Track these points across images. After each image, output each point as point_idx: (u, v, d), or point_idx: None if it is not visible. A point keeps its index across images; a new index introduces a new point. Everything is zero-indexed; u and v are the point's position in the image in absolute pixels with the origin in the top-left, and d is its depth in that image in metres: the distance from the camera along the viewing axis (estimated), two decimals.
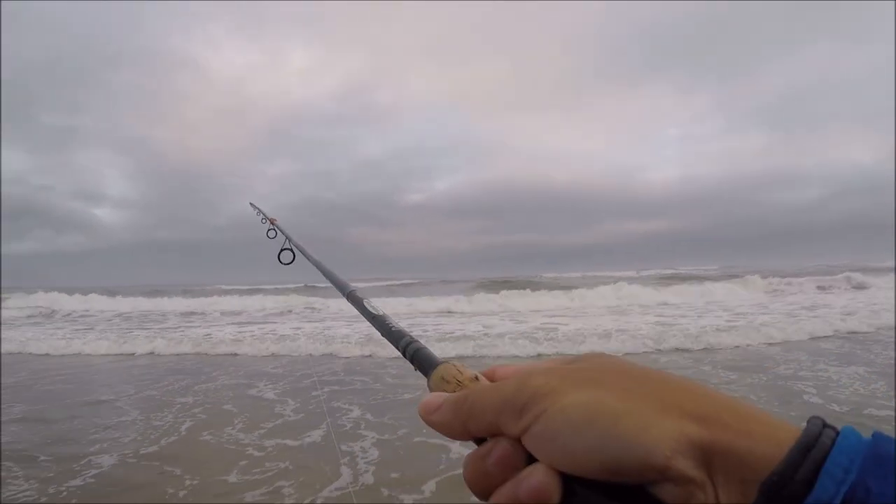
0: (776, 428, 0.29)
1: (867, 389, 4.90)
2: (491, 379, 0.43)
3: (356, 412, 4.71)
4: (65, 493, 3.15)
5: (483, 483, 0.34)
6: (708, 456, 0.28)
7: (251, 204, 1.56)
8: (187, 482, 3.27)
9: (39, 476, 3.41)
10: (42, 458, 3.77)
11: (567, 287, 18.14)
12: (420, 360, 0.53)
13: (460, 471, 0.37)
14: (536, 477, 0.31)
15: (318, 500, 2.98)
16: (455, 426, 0.37)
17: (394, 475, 3.29)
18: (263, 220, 1.37)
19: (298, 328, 11.01)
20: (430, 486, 3.09)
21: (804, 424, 0.29)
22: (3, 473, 3.45)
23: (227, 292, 23.69)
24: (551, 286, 20.20)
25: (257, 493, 3.09)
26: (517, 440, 0.33)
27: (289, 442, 4.00)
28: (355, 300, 0.87)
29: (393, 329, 0.69)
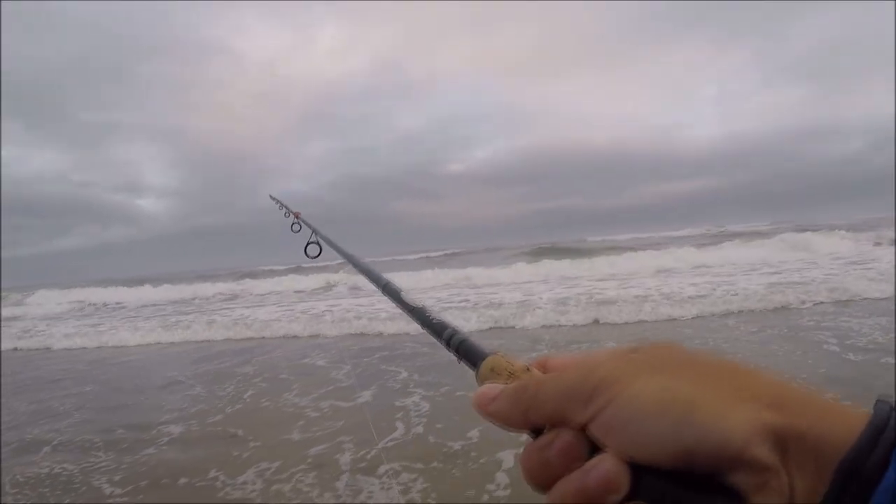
0: (846, 413, 0.29)
1: None
2: (543, 369, 0.41)
3: (404, 374, 5.03)
4: (143, 460, 3.47)
5: (543, 474, 0.33)
6: (783, 442, 0.28)
7: (271, 197, 1.55)
8: (251, 444, 3.56)
9: (117, 447, 3.77)
10: (118, 431, 4.14)
11: (614, 249, 17.48)
12: (466, 351, 0.52)
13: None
14: (605, 465, 0.30)
15: (373, 452, 3.22)
16: (514, 416, 0.36)
17: (439, 426, 3.52)
18: (287, 214, 1.38)
19: (335, 304, 11.30)
20: (474, 434, 3.28)
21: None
22: (85, 446, 3.83)
23: (273, 273, 24.23)
24: (596, 251, 19.46)
25: (320, 448, 3.35)
26: (580, 430, 0.32)
27: (342, 403, 4.29)
28: (392, 292, 0.88)
29: (434, 321, 0.68)
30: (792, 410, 0.29)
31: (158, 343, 8.99)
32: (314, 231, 1.17)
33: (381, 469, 2.99)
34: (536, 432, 0.36)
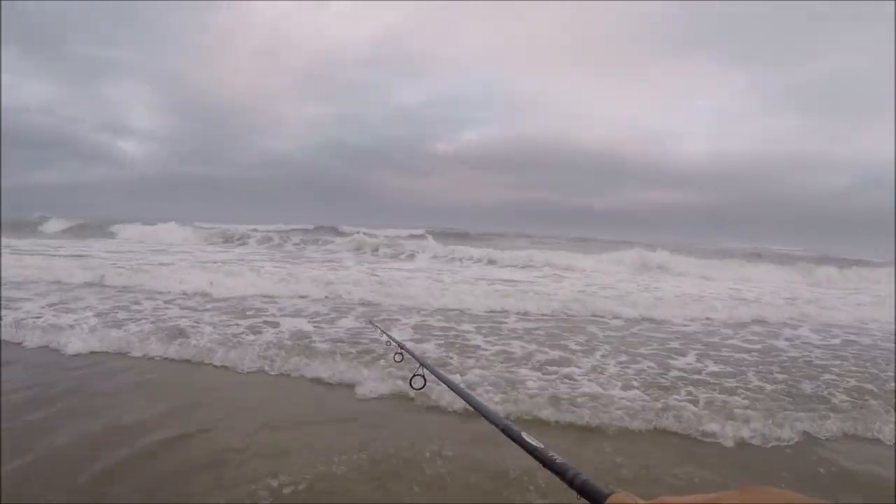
0: None
1: None
2: None
3: None
4: None
5: None
6: None
7: (371, 322, 1.63)
8: None
9: None
10: None
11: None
12: (589, 491, 0.57)
13: None
14: None
15: None
16: None
17: None
18: (388, 343, 1.43)
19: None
20: None
21: None
22: None
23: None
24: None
25: None
26: None
27: None
28: (511, 432, 0.88)
29: (557, 461, 0.72)
30: None
31: None
32: (422, 363, 1.20)
33: None
34: None
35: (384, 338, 1.47)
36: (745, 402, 3.80)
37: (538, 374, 4.27)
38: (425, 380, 1.20)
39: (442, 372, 1.12)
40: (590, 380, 4.17)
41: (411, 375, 1.21)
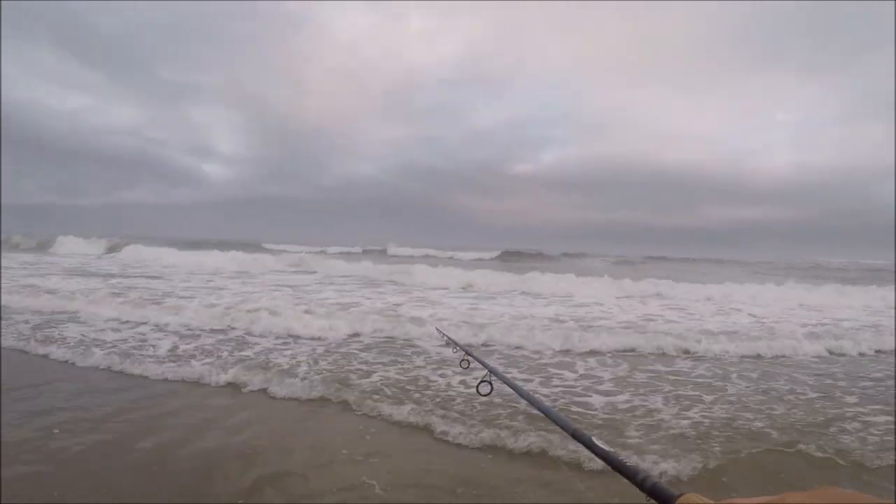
0: None
1: None
2: None
3: None
4: None
5: None
6: None
7: (438, 330, 1.69)
8: None
9: None
10: None
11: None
12: (659, 493, 0.59)
13: None
14: None
15: None
16: None
17: None
18: (455, 350, 1.48)
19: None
20: None
21: None
22: None
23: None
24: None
25: None
26: None
27: None
28: (581, 437, 0.89)
29: (628, 465, 0.73)
30: None
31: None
32: (490, 370, 1.23)
33: None
34: None
35: (451, 346, 1.51)
36: None
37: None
38: (492, 386, 1.23)
39: (508, 377, 1.14)
40: None
41: (478, 382, 1.25)
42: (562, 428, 0.94)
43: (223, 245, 28.93)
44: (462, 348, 1.43)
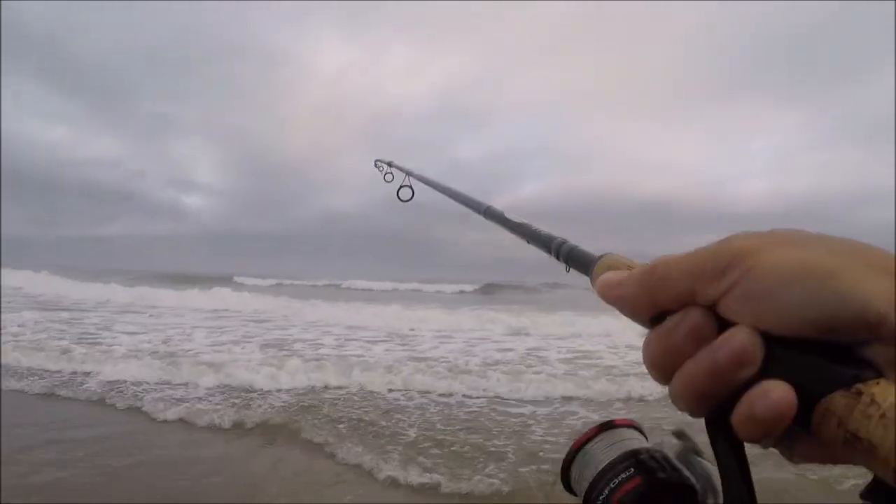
0: None
1: None
2: None
3: None
4: None
5: (669, 361, 0.32)
6: None
7: (376, 162, 1.51)
8: None
9: None
10: None
11: None
12: (576, 258, 0.52)
13: None
14: (739, 338, 0.29)
15: None
16: (641, 299, 0.34)
17: None
18: (380, 167, 1.38)
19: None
20: None
21: None
22: None
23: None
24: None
25: None
26: (708, 309, 0.31)
27: None
28: (494, 214, 0.84)
29: (541, 233, 0.66)
30: None
31: None
32: (407, 173, 1.16)
33: None
34: (657, 322, 0.34)
35: (380, 166, 1.40)
36: None
37: None
38: (413, 190, 1.17)
39: (427, 176, 1.08)
40: None
41: (398, 187, 1.18)
42: (473, 210, 0.89)
43: (193, 280, 28.38)
44: (385, 163, 1.35)
